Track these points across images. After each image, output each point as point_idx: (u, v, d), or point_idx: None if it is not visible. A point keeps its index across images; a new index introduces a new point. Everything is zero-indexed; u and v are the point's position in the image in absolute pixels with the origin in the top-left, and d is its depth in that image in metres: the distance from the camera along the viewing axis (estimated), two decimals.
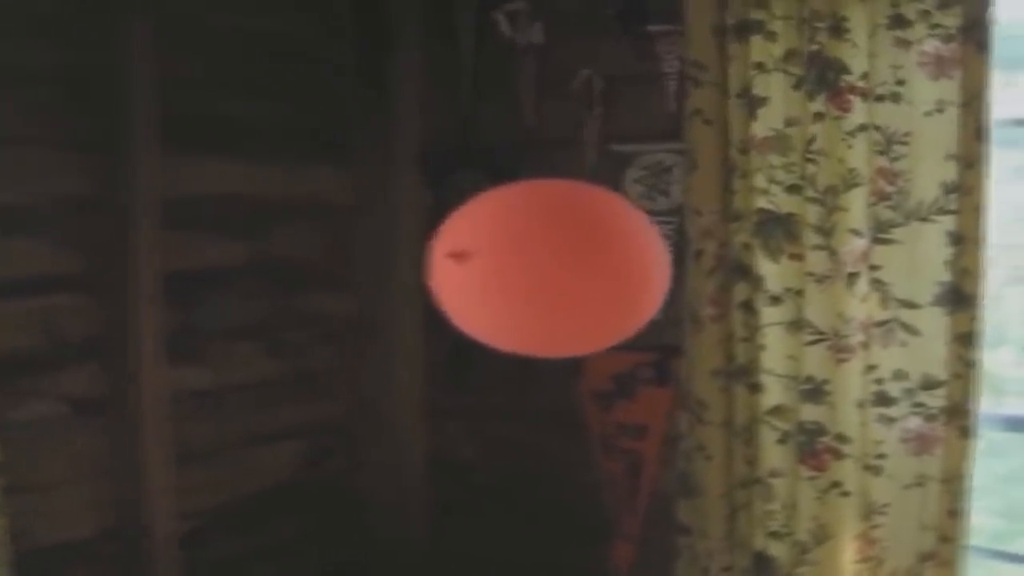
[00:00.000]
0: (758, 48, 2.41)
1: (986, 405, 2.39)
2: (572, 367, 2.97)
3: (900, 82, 2.31)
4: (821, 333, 2.43)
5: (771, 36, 2.40)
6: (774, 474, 2.51)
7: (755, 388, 2.52)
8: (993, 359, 2.83)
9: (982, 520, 2.78)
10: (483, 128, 3.15)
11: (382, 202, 3.29)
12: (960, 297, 2.33)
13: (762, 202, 2.45)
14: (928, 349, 2.37)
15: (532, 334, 1.77)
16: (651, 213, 2.65)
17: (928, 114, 2.31)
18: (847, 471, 2.43)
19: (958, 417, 2.35)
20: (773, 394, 2.50)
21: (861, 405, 2.41)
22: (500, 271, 1.71)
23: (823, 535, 2.47)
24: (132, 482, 2.70)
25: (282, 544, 3.16)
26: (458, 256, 1.71)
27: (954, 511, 2.37)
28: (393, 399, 3.34)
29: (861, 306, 2.37)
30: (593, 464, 3.02)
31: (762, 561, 2.56)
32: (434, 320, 3.16)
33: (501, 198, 1.84)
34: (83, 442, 2.65)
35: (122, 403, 2.67)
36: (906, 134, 2.32)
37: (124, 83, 2.57)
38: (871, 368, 2.40)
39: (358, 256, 3.33)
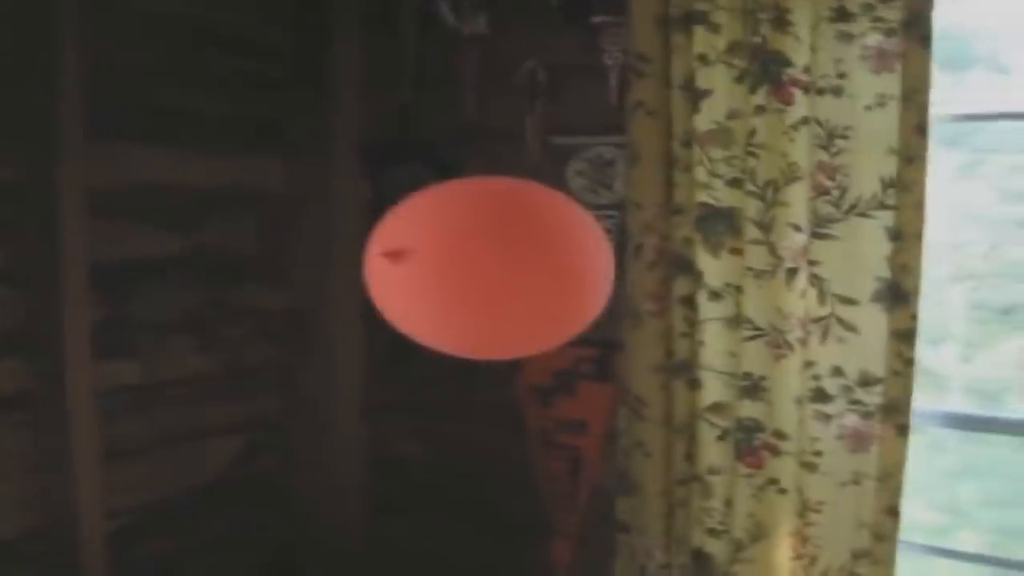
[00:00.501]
0: (701, 40, 2.38)
1: (929, 402, 2.38)
2: (513, 362, 2.92)
3: (842, 75, 2.29)
4: (759, 329, 2.41)
5: (714, 28, 2.37)
6: (712, 471, 2.49)
7: (694, 384, 2.50)
8: (936, 356, 2.82)
9: (924, 515, 2.78)
10: (424, 120, 3.11)
11: (321, 194, 3.23)
12: (898, 294, 2.31)
13: (704, 196, 2.42)
14: (866, 346, 2.35)
15: (472, 335, 1.73)
16: (593, 207, 2.64)
17: (869, 108, 2.28)
18: (784, 468, 2.41)
19: (895, 415, 2.34)
20: (712, 391, 2.48)
21: (799, 402, 2.39)
22: (438, 270, 1.66)
23: (759, 532, 2.45)
24: (59, 480, 2.61)
25: (215, 543, 3.11)
26: (394, 255, 1.67)
27: (889, 509, 2.37)
28: (331, 395, 3.30)
29: (800, 302, 2.35)
30: (533, 461, 2.99)
31: (700, 558, 2.54)
32: (373, 315, 3.23)
33: (440, 195, 1.79)
34: (7, 439, 2.57)
35: (48, 399, 2.58)
36: (847, 128, 2.30)
37: (49, 68, 2.48)
38: (809, 365, 2.38)
39: (296, 249, 3.28)
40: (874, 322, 2.34)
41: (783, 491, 2.41)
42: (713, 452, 2.49)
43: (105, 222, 2.67)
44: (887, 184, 2.29)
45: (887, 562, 2.37)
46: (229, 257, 3.11)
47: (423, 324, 1.73)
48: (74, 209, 2.53)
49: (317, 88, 3.19)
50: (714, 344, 2.47)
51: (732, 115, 2.40)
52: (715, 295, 2.45)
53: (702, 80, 2.40)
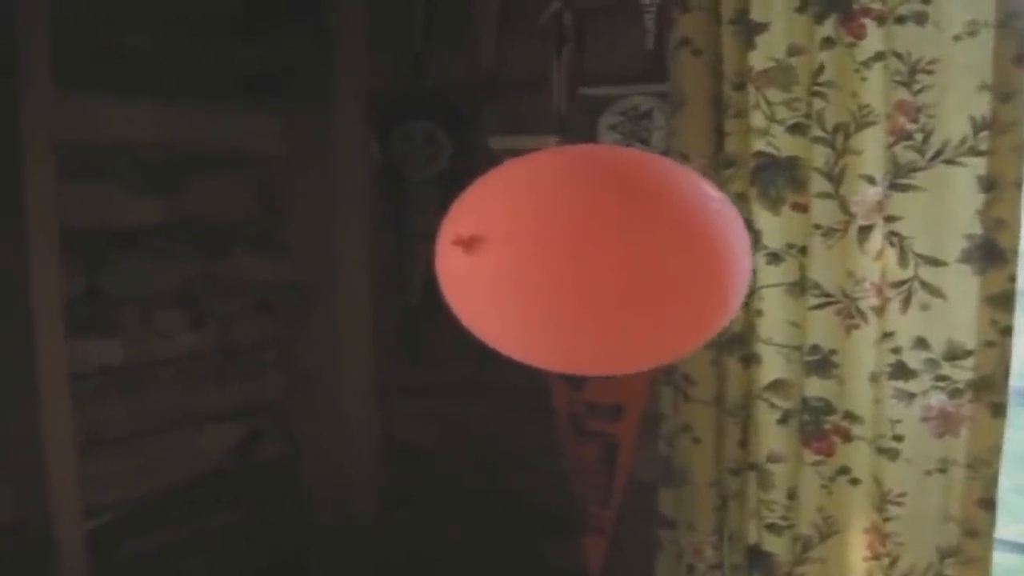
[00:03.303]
0: None
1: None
2: None
3: (925, 0, 2.02)
4: (828, 296, 2.15)
5: None
6: (773, 459, 2.26)
7: (751, 360, 2.26)
8: None
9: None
10: (438, 71, 2.92)
11: (322, 154, 3.01)
12: (993, 253, 2.04)
13: (760, 145, 2.18)
14: (954, 314, 2.08)
15: (568, 343, 1.38)
16: None
17: (958, 38, 2.01)
18: (858, 455, 2.17)
19: (989, 392, 2.07)
20: (772, 367, 2.23)
21: (875, 379, 2.13)
22: (532, 263, 1.31)
23: (829, 528, 2.23)
24: (31, 472, 2.38)
25: (211, 541, 2.89)
26: (467, 243, 1.32)
27: (983, 501, 2.10)
28: (337, 376, 3.11)
29: (875, 264, 2.09)
30: (562, 449, 2.81)
31: (758, 557, 2.31)
32: (383, 287, 3.07)
33: (527, 167, 1.43)
34: None
35: (16, 381, 2.34)
36: (931, 61, 2.03)
37: (7, 12, 2.19)
38: (887, 336, 2.12)
39: (295, 215, 3.06)
40: (964, 286, 2.07)
41: (857, 481, 2.17)
42: (774, 437, 2.25)
43: (78, 184, 2.42)
44: (979, 126, 2.01)
45: (981, 561, 2.11)
46: (220, 224, 2.87)
47: (512, 333, 1.39)
48: (40, 168, 2.26)
49: (318, 35, 2.95)
50: (774, 314, 2.22)
51: (793, 51, 2.15)
52: (775, 257, 2.21)
53: (757, 11, 2.15)
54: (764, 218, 2.18)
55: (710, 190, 1.39)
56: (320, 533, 3.15)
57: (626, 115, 2.61)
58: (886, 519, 2.16)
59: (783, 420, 2.24)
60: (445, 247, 1.36)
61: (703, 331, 1.42)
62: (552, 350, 1.39)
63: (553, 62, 2.69)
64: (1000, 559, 2.16)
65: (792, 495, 2.25)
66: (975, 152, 2.02)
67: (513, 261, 1.30)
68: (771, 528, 2.27)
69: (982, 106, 2.00)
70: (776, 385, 2.23)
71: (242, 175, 2.91)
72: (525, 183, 1.38)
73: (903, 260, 2.09)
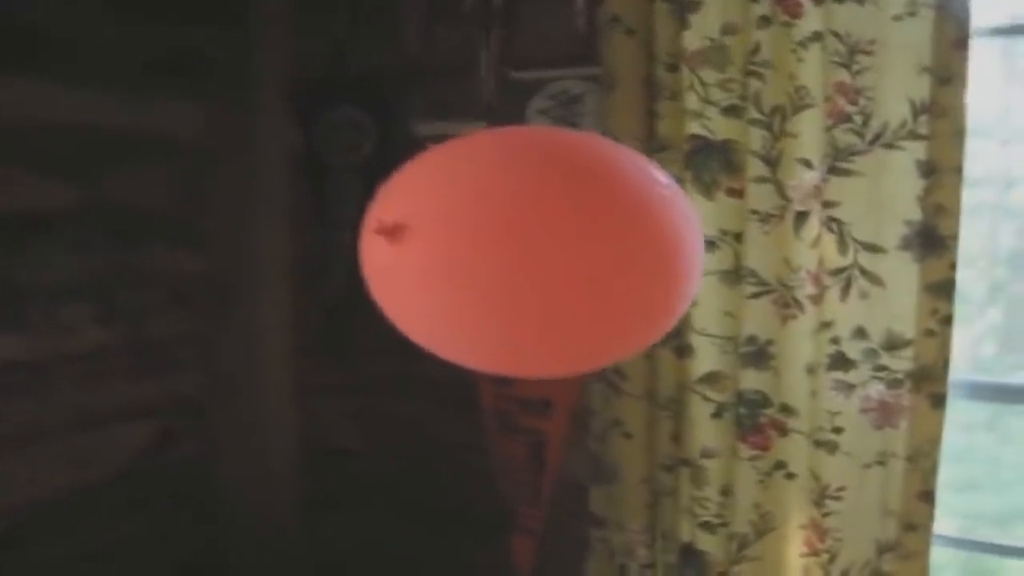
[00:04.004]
0: None
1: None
2: None
3: None
4: (765, 284, 2.10)
5: None
6: (707, 454, 2.20)
7: (684, 352, 2.19)
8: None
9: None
10: (362, 56, 2.82)
11: (242, 141, 2.90)
12: (933, 240, 2.00)
13: (694, 127, 2.12)
14: (894, 302, 2.03)
15: (504, 342, 1.27)
16: None
17: (897, 18, 1.96)
18: (795, 449, 2.11)
19: (928, 383, 2.03)
20: (706, 359, 2.17)
21: (813, 370, 2.08)
22: (454, 252, 1.20)
23: (766, 525, 2.16)
24: None
25: (120, 547, 2.74)
26: (390, 231, 1.22)
27: (922, 494, 2.06)
28: (257, 373, 3.01)
29: (813, 252, 2.04)
30: (489, 446, 2.72)
31: (691, 556, 2.24)
32: (305, 280, 2.96)
33: (458, 150, 1.33)
34: None
35: None
36: (871, 42, 1.98)
37: None
38: (825, 326, 2.07)
39: (214, 205, 2.91)
40: (903, 274, 2.02)
41: (794, 476, 2.11)
42: (708, 431, 2.19)
43: None
44: (919, 109, 1.97)
45: (920, 555, 2.07)
46: (134, 213, 2.71)
47: (441, 330, 1.29)
48: None
49: (238, 19, 2.84)
50: (708, 303, 2.15)
51: (728, 30, 2.09)
52: (709, 244, 2.13)
53: None
54: (698, 203, 2.11)
55: (658, 174, 1.30)
56: (238, 538, 3.03)
57: (556, 99, 2.53)
58: (824, 514, 2.10)
59: (717, 414, 2.18)
60: (368, 237, 1.26)
61: (653, 330, 1.34)
62: (486, 349, 1.29)
63: (481, 46, 2.61)
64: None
65: (727, 491, 2.18)
66: (915, 136, 1.97)
67: (442, 251, 1.20)
68: (705, 526, 2.21)
69: (922, 89, 1.96)
70: (710, 377, 2.17)
71: (160, 162, 2.78)
72: (456, 167, 1.28)
73: (842, 247, 2.04)
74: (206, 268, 2.93)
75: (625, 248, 1.19)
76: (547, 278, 1.18)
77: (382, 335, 2.40)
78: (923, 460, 2.03)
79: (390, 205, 1.26)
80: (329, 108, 2.84)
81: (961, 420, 2.46)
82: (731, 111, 2.09)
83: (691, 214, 1.30)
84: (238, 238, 2.93)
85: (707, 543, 2.20)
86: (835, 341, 2.05)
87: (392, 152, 2.71)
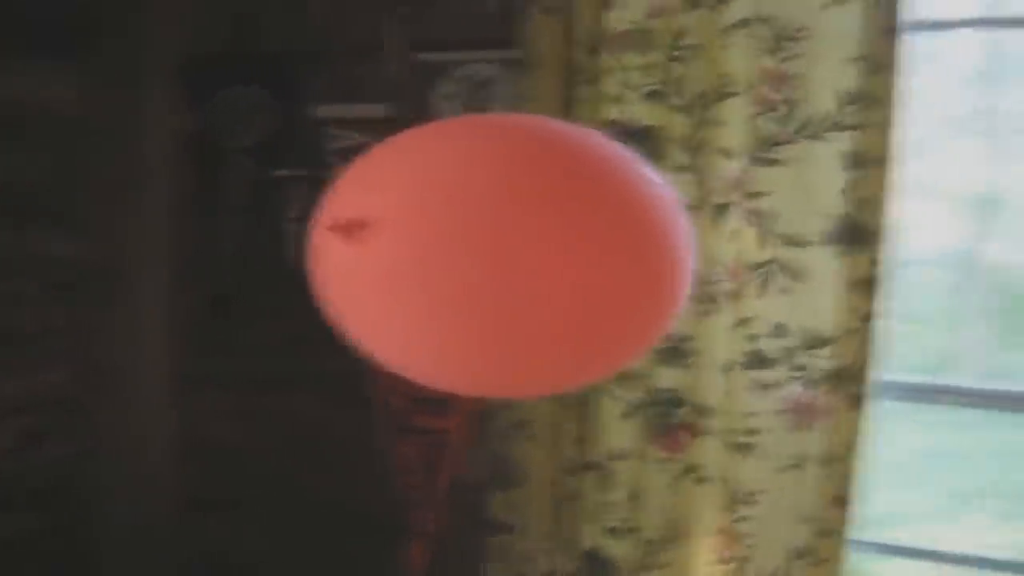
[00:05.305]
0: None
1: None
2: None
3: None
4: None
5: None
6: (615, 456, 2.16)
7: None
8: None
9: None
10: (260, 32, 2.74)
11: (128, 120, 2.80)
12: (857, 234, 1.96)
13: (614, 113, 2.10)
14: (815, 298, 2.00)
15: (477, 358, 1.14)
16: None
17: (826, 6, 1.94)
18: (708, 451, 2.07)
19: (848, 383, 1.99)
20: None
21: (729, 369, 2.04)
22: (425, 253, 1.07)
23: (675, 531, 2.13)
24: None
25: None
26: (348, 228, 1.09)
27: (837, 498, 2.01)
28: (134, 365, 2.92)
29: (731, 245, 2.01)
30: (382, 446, 2.62)
31: (596, 563, 2.20)
32: (188, 269, 2.81)
33: (430, 139, 1.20)
34: None
35: None
36: (799, 29, 1.96)
37: None
38: (743, 322, 2.03)
39: (94, 187, 2.80)
40: (826, 269, 1.99)
41: (706, 480, 2.08)
42: (617, 432, 2.16)
43: None
44: (847, 99, 1.94)
45: (832, 562, 2.02)
46: (7, 194, 2.60)
47: (409, 342, 1.15)
48: None
49: None
50: None
51: (654, 12, 2.06)
52: None
53: None
54: None
55: (651, 173, 1.20)
56: (113, 540, 2.92)
57: (465, 83, 2.48)
58: (737, 520, 2.07)
59: (628, 414, 2.14)
60: (322, 233, 1.13)
61: (643, 341, 1.23)
62: (458, 363, 1.16)
63: (387, 25, 2.53)
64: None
65: (636, 496, 2.15)
66: (841, 127, 1.95)
67: (409, 252, 1.07)
68: (612, 532, 2.17)
69: (850, 79, 1.94)
70: (621, 375, 2.11)
71: (34, 139, 2.66)
72: (426, 157, 1.15)
73: (762, 240, 2.00)
74: (84, 255, 2.83)
75: (617, 255, 1.09)
76: (530, 283, 1.07)
77: (268, 328, 2.27)
78: (839, 464, 2.00)
79: (348, 199, 1.13)
80: (225, 87, 2.73)
81: None
82: (653, 97, 2.06)
83: (684, 216, 1.20)
84: (119, 222, 2.84)
85: (613, 549, 2.16)
86: (753, 338, 2.02)
87: (289, 135, 2.63)
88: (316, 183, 2.63)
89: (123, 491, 2.93)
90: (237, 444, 2.92)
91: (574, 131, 1.24)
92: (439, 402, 2.54)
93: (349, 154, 2.62)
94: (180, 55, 2.83)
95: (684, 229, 1.18)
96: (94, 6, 2.71)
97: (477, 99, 2.45)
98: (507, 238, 1.05)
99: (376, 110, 2.50)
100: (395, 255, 1.08)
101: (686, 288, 1.18)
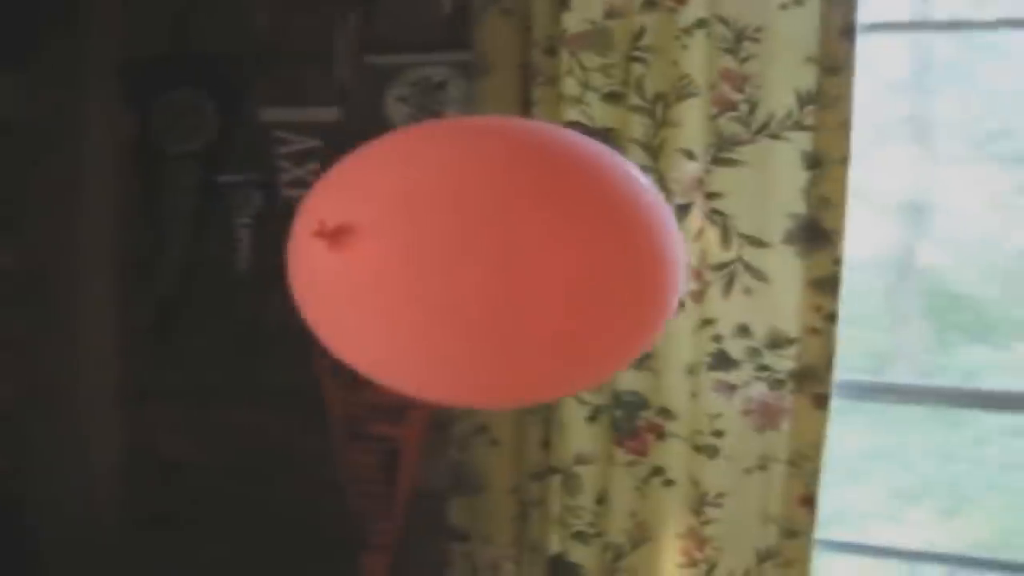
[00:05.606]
0: None
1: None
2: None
3: None
4: None
5: None
6: (580, 460, 2.14)
7: None
8: None
9: None
10: (204, 34, 2.71)
11: (68, 123, 2.77)
12: (817, 233, 1.98)
13: (573, 114, 2.08)
14: (777, 299, 2.00)
15: (467, 366, 1.11)
16: None
17: (784, 6, 1.96)
18: (674, 454, 2.07)
19: (811, 383, 2.00)
20: None
21: (693, 370, 2.04)
22: (414, 260, 1.04)
23: (642, 535, 2.12)
24: None
25: None
26: (333, 235, 1.05)
27: (803, 498, 2.02)
28: (76, 379, 2.87)
29: (694, 245, 2.00)
30: (337, 456, 2.59)
31: (562, 569, 2.17)
32: (133, 277, 2.75)
33: (418, 141, 1.16)
34: None
35: None
36: (757, 29, 1.96)
37: None
38: (707, 323, 2.03)
39: (34, 192, 2.77)
40: (787, 269, 1.99)
41: (672, 482, 2.07)
42: (581, 436, 2.13)
43: None
44: (805, 99, 1.96)
45: (800, 563, 2.03)
46: None
47: (396, 353, 1.11)
48: None
49: None
50: None
51: (612, 13, 2.06)
52: None
53: None
54: None
55: (640, 175, 1.18)
56: (54, 561, 2.84)
57: (417, 86, 2.46)
58: (703, 522, 2.07)
59: (592, 417, 2.12)
60: (303, 240, 1.09)
61: (631, 353, 1.21)
62: (447, 374, 1.13)
63: (337, 27, 2.51)
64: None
65: (601, 499, 2.13)
66: (800, 127, 1.96)
67: (396, 259, 1.04)
68: (578, 537, 2.15)
69: (808, 79, 1.95)
70: None
71: None
72: (414, 160, 1.12)
73: (725, 240, 2.00)
74: (24, 263, 2.79)
75: (612, 262, 1.07)
76: (521, 289, 1.04)
77: (218, 336, 2.23)
78: (805, 464, 2.00)
79: (332, 204, 1.09)
80: (167, 90, 2.71)
81: None
82: (612, 98, 2.06)
83: (673, 220, 1.18)
84: (60, 229, 2.80)
85: (580, 554, 2.14)
86: (717, 339, 2.02)
87: (235, 139, 2.59)
88: (264, 188, 2.62)
89: (67, 508, 2.86)
90: (186, 457, 2.86)
91: (562, 134, 1.22)
92: (396, 409, 2.51)
93: (299, 159, 2.60)
94: (121, 57, 2.77)
95: (675, 235, 1.16)
96: (33, 9, 2.65)
97: (431, 102, 2.43)
98: (497, 243, 1.03)
99: (327, 113, 2.48)
100: (380, 262, 1.05)
101: (677, 294, 1.17)
